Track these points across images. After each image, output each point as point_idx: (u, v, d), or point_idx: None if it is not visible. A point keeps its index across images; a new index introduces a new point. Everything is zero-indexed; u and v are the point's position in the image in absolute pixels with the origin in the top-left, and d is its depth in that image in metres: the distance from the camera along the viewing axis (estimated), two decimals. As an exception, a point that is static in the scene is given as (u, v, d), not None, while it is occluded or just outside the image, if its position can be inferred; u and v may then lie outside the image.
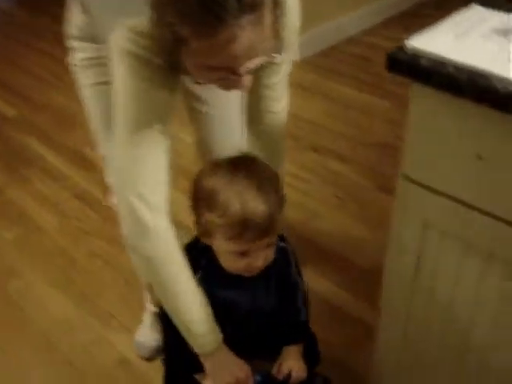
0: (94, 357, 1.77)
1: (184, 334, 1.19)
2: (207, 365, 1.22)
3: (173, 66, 1.06)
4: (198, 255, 1.21)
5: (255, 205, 1.07)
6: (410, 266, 1.20)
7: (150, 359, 1.75)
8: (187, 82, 1.37)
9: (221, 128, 1.49)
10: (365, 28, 3.57)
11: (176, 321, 1.19)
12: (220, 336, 1.21)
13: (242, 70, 0.99)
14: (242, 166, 1.12)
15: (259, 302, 1.25)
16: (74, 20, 1.29)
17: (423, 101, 1.00)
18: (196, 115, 1.48)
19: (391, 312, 1.31)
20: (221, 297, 1.22)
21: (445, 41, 0.97)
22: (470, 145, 0.98)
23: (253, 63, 0.99)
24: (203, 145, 1.53)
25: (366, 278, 1.93)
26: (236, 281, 1.20)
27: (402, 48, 0.97)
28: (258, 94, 1.28)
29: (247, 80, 1.02)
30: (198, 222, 1.16)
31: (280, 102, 1.32)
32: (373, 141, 2.60)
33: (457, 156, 1.01)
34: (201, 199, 1.13)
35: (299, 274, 1.32)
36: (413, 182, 1.09)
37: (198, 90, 1.42)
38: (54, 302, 1.94)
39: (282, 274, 1.27)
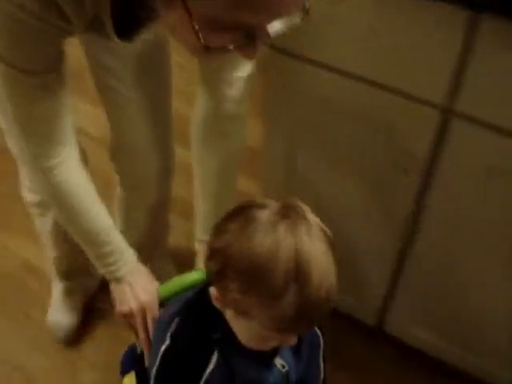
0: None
1: (95, 260, 1.04)
2: (115, 290, 1.05)
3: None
4: (208, 325, 0.88)
5: (330, 281, 0.78)
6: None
7: (67, 341, 1.63)
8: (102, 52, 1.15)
9: (143, 117, 1.25)
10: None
11: (89, 249, 1.03)
12: (134, 257, 1.06)
13: (263, 34, 0.72)
14: (298, 217, 0.79)
15: (291, 374, 0.96)
16: None
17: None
18: (111, 94, 1.23)
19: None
20: (247, 379, 0.91)
21: None
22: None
23: (276, 27, 0.73)
24: (114, 139, 1.31)
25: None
26: (261, 355, 0.90)
27: None
28: (215, 91, 1.06)
29: (260, 50, 0.74)
30: (221, 292, 0.83)
31: (241, 104, 1.08)
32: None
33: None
34: (235, 267, 0.79)
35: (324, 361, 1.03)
36: (279, 51, 1.17)
37: (114, 63, 1.17)
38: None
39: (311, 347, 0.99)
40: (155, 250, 1.59)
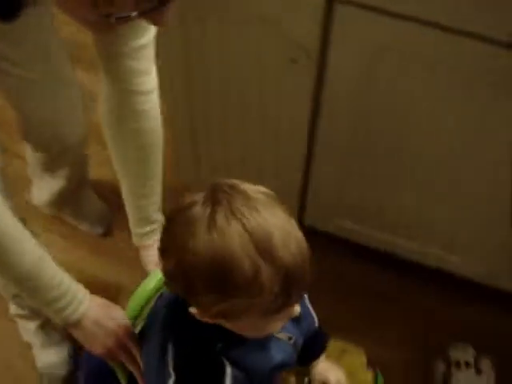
0: None
1: (46, 308, 0.90)
2: (79, 335, 0.92)
3: None
4: (206, 340, 0.82)
5: (296, 238, 0.73)
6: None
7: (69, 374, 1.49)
8: None
9: (45, 97, 1.19)
10: None
11: (32, 297, 0.90)
12: (85, 296, 0.91)
13: None
14: (230, 197, 0.72)
15: (298, 341, 0.94)
16: None
17: None
18: (5, 78, 1.14)
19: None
20: (260, 370, 0.88)
21: None
22: None
23: None
24: (24, 121, 1.26)
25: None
26: (264, 341, 0.87)
27: None
28: (118, 67, 0.94)
29: (172, 13, 0.68)
30: (203, 309, 0.77)
31: (150, 76, 0.98)
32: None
33: None
34: (200, 279, 0.72)
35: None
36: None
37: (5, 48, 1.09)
38: None
39: None
40: (78, 189, 1.57)
